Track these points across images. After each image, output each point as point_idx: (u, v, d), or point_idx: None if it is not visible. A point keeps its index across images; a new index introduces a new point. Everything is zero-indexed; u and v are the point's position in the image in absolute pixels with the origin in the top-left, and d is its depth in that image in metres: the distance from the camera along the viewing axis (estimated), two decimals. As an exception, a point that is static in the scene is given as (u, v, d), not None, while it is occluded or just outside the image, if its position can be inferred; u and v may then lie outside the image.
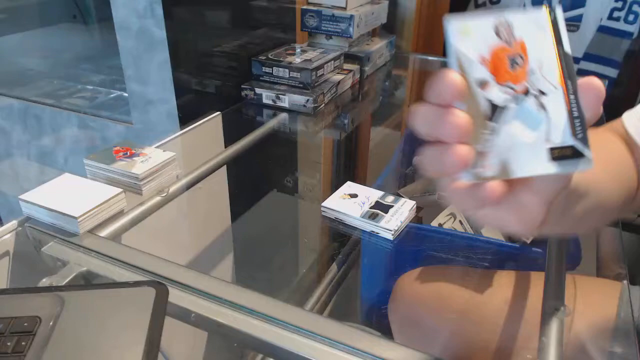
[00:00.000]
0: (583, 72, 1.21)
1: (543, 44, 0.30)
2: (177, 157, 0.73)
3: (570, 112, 0.29)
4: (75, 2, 1.53)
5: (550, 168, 0.29)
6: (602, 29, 1.15)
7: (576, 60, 1.22)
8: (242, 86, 1.03)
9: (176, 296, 0.49)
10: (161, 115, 0.93)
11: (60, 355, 0.37)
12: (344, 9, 1.13)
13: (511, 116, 0.29)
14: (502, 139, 0.29)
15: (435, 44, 1.43)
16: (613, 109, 1.20)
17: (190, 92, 0.93)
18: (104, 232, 0.58)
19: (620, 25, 1.13)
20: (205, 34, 0.95)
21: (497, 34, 0.30)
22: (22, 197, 0.59)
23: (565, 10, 1.18)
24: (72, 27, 1.56)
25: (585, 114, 0.29)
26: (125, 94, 0.99)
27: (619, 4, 1.12)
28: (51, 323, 0.40)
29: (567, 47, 0.29)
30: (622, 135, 0.47)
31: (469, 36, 0.29)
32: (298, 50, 1.10)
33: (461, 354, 0.59)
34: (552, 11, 0.30)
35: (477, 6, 1.31)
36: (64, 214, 0.57)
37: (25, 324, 0.39)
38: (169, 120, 0.93)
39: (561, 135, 0.29)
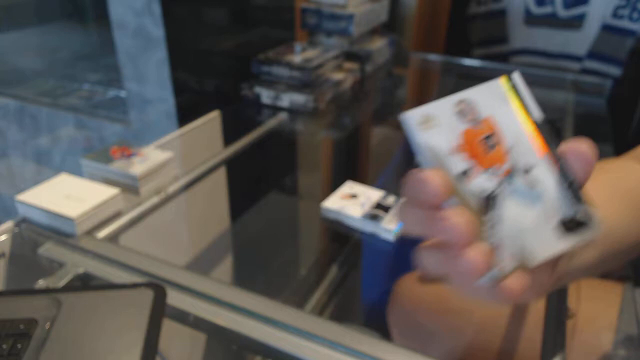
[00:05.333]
0: (587, 71, 1.21)
1: (511, 117, 0.28)
2: (176, 157, 0.72)
3: (562, 181, 0.27)
4: (72, 0, 1.53)
5: (564, 244, 0.27)
6: (606, 28, 1.15)
7: (579, 59, 1.21)
8: (241, 85, 1.03)
9: (174, 298, 0.48)
10: (159, 115, 0.93)
11: (57, 358, 0.37)
12: (344, 7, 1.12)
13: (507, 202, 0.27)
14: (506, 229, 0.27)
15: (436, 42, 1.42)
16: (617, 108, 1.20)
17: (188, 91, 0.93)
18: (101, 233, 0.58)
19: (625, 24, 1.12)
20: (203, 33, 0.95)
21: (461, 116, 0.28)
22: (18, 197, 0.58)
23: (568, 7, 1.18)
24: (68, 25, 1.55)
25: (574, 176, 0.27)
26: (123, 93, 0.99)
27: (623, 2, 1.11)
28: (48, 325, 0.39)
29: (536, 114, 0.28)
30: None
31: (432, 127, 0.27)
32: (298, 48, 1.09)
33: (462, 356, 0.58)
34: (510, 79, 0.29)
35: (480, 4, 1.30)
36: (61, 215, 0.56)
37: (22, 327, 0.39)
38: (167, 119, 0.92)
39: (562, 208, 0.27)
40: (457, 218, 0.25)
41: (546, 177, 0.27)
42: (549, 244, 0.27)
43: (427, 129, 0.27)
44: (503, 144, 0.28)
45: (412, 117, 0.28)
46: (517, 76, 0.29)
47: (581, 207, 0.27)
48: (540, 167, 0.27)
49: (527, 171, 0.27)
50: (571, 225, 0.27)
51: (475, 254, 0.25)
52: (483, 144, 0.27)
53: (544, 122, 0.28)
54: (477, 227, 0.26)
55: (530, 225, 0.27)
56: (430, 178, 0.25)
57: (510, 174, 0.27)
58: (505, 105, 0.28)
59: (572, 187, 0.27)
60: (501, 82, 0.28)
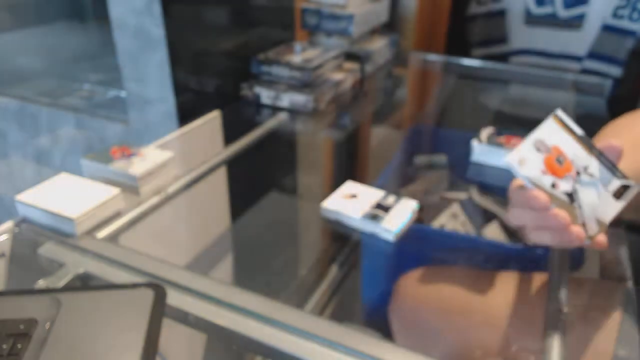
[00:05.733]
0: (587, 71, 1.21)
1: (567, 139, 0.46)
2: (176, 157, 0.72)
3: (605, 167, 0.47)
4: (72, 0, 1.53)
5: (620, 205, 0.46)
6: (606, 28, 1.14)
7: (579, 59, 1.21)
8: (241, 85, 1.03)
9: (174, 298, 0.48)
10: (159, 115, 0.93)
11: (57, 358, 0.37)
12: (344, 7, 1.12)
13: (582, 193, 0.45)
14: (586, 209, 0.45)
15: (436, 42, 1.42)
16: (617, 108, 1.20)
17: (188, 92, 0.93)
18: (101, 233, 0.58)
19: (625, 24, 1.12)
20: (204, 33, 0.95)
21: (538, 150, 0.45)
22: (18, 197, 0.58)
23: (568, 7, 1.18)
24: (68, 25, 1.55)
25: (612, 161, 0.46)
26: (123, 93, 0.99)
27: (623, 2, 1.11)
28: (48, 325, 0.39)
29: (579, 132, 0.47)
30: None
31: (525, 163, 0.44)
32: (298, 48, 1.09)
33: (462, 355, 0.58)
34: (557, 116, 0.47)
35: (480, 4, 1.30)
36: (61, 216, 0.56)
37: (22, 326, 0.39)
38: (167, 119, 0.92)
39: (611, 182, 0.46)
40: (562, 213, 0.43)
41: (596, 169, 0.46)
42: (612, 207, 0.46)
43: (523, 166, 0.44)
44: (567, 158, 0.46)
45: (513, 160, 0.44)
46: (561, 113, 0.47)
47: (622, 178, 0.47)
48: (591, 165, 0.46)
49: (585, 169, 0.46)
50: (620, 191, 0.46)
51: (577, 228, 0.43)
52: (557, 162, 0.45)
53: (584, 135, 0.47)
54: (571, 214, 0.44)
55: (598, 201, 0.45)
56: (538, 195, 0.43)
57: (578, 175, 0.46)
58: (561, 134, 0.46)
59: (613, 168, 0.47)
60: (553, 119, 0.47)
